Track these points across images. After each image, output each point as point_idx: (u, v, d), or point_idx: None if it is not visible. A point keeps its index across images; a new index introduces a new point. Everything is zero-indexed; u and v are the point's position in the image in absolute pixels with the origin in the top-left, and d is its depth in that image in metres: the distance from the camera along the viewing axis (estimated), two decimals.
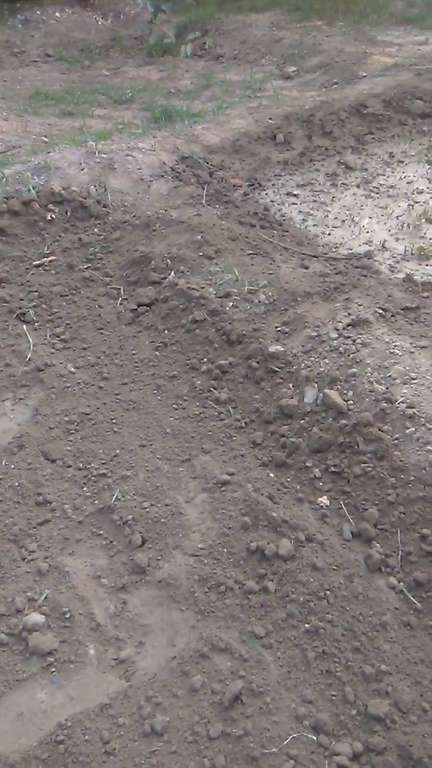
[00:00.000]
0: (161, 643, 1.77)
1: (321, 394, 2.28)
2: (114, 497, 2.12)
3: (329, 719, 1.56)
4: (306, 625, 1.74)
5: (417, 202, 3.74)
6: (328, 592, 1.80)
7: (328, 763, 1.48)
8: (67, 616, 1.80)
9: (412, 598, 1.80)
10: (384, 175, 4.11)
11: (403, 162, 4.24)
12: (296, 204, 3.84)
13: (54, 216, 3.54)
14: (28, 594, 1.85)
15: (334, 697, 1.61)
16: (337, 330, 2.46)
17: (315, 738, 1.53)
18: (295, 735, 1.53)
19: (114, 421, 2.46)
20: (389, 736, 1.52)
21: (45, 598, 1.84)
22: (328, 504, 2.06)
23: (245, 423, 2.41)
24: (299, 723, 1.56)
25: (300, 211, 3.76)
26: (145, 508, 2.10)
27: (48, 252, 3.35)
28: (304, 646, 1.71)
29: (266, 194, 3.96)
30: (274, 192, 3.98)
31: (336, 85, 5.42)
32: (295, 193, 3.97)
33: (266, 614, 1.80)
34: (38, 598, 1.84)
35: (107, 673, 1.71)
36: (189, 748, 1.53)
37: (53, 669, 1.70)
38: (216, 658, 1.70)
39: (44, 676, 1.68)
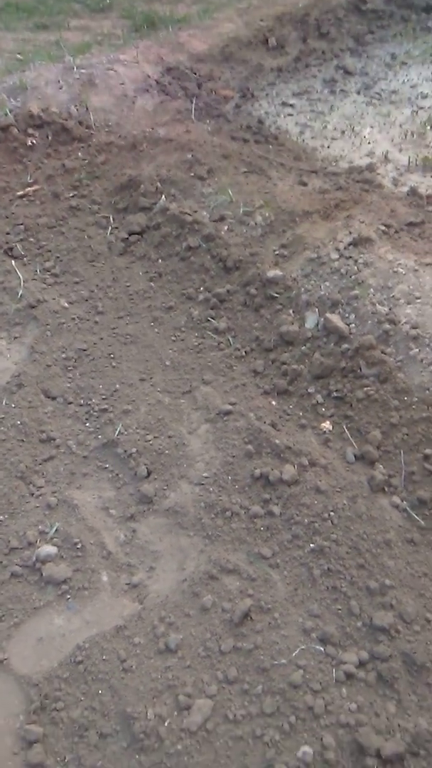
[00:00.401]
0: (171, 567, 1.82)
1: (322, 319, 2.22)
2: (117, 431, 2.12)
3: (336, 631, 1.62)
4: (311, 545, 1.78)
5: (421, 108, 3.50)
6: (332, 513, 1.83)
7: (335, 671, 1.55)
8: (78, 546, 1.85)
9: (415, 515, 1.83)
10: (386, 79, 3.82)
11: (406, 64, 3.94)
12: (292, 115, 3.60)
13: (34, 141, 3.33)
14: (39, 527, 1.89)
15: (339, 611, 1.67)
16: (338, 250, 2.36)
17: (322, 649, 1.60)
18: (303, 647, 1.60)
19: (112, 355, 2.42)
20: (393, 645, 1.58)
21: (56, 530, 1.88)
22: (330, 429, 2.06)
23: (245, 352, 2.37)
24: (307, 636, 1.63)
25: (296, 123, 3.53)
26: (149, 440, 2.10)
27: (31, 181, 3.19)
28: (309, 564, 1.76)
29: (260, 105, 3.70)
30: (268, 102, 3.72)
31: None
32: (291, 102, 3.72)
33: (272, 536, 1.84)
34: (49, 531, 1.88)
35: (121, 597, 1.77)
36: (202, 663, 1.60)
37: (68, 596, 1.76)
38: (225, 578, 1.75)
39: (60, 603, 1.75)
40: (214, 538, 1.86)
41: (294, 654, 1.58)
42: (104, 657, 1.62)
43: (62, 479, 2.04)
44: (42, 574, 1.79)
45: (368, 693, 1.53)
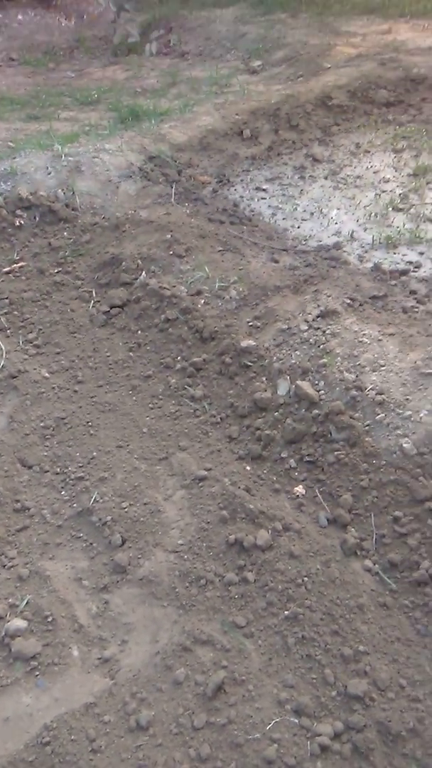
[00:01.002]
0: (144, 639, 1.79)
1: (293, 386, 2.31)
2: (92, 499, 2.14)
3: (310, 702, 1.59)
4: (285, 612, 1.77)
5: (384, 191, 3.79)
6: (305, 579, 1.83)
7: (310, 744, 1.51)
8: (49, 620, 1.82)
9: (387, 579, 1.84)
10: (351, 165, 4.15)
11: (369, 152, 4.29)
12: (265, 198, 3.87)
13: (22, 221, 3.53)
14: (10, 600, 1.86)
15: (314, 680, 1.64)
16: (307, 322, 2.49)
17: (297, 721, 1.56)
18: (277, 719, 1.56)
19: (90, 423, 2.47)
20: (368, 714, 1.55)
21: (26, 603, 1.85)
22: (303, 493, 2.09)
23: (221, 418, 2.43)
24: (281, 707, 1.59)
25: (269, 206, 3.79)
26: (124, 508, 2.12)
27: (17, 258, 3.34)
28: (284, 632, 1.74)
29: (235, 190, 3.98)
30: (242, 187, 4.00)
31: (301, 78, 5.45)
32: (264, 187, 4.00)
33: (246, 604, 1.83)
34: (20, 604, 1.85)
35: (92, 672, 1.73)
36: (174, 740, 1.55)
37: (37, 673, 1.71)
38: (198, 650, 1.73)
39: (29, 681, 1.70)
40: (188, 608, 1.84)
41: (268, 727, 1.55)
42: (72, 737, 1.57)
43: (35, 550, 2.03)
44: (11, 650, 1.75)
45: (344, 766, 1.48)
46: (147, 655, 1.75)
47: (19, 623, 1.79)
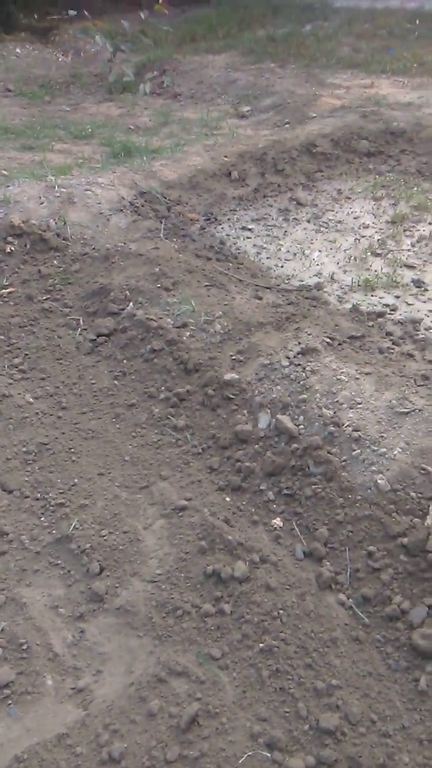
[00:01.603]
0: (119, 670, 1.79)
1: (274, 420, 2.37)
2: (72, 526, 2.14)
3: (283, 735, 1.61)
4: (260, 645, 1.79)
5: (363, 236, 3.96)
6: (281, 611, 1.86)
7: None
8: (24, 648, 1.81)
9: (360, 613, 1.88)
10: (333, 210, 4.34)
11: (350, 198, 4.49)
12: (250, 238, 4.01)
13: (13, 248, 3.59)
14: None
15: (287, 714, 1.66)
16: (288, 358, 2.58)
17: (269, 755, 1.57)
18: (250, 753, 1.57)
19: (72, 450, 2.49)
20: (340, 749, 1.57)
21: (1, 630, 1.84)
22: (281, 525, 2.14)
23: (202, 449, 2.48)
24: (254, 741, 1.60)
25: (254, 245, 3.93)
26: (103, 536, 2.13)
27: (7, 284, 3.39)
28: (258, 665, 1.76)
29: (222, 228, 4.12)
30: (229, 226, 4.15)
31: (288, 125, 5.70)
32: (250, 227, 4.15)
33: (222, 636, 1.84)
34: None
35: (65, 702, 1.71)
36: None
37: (9, 701, 1.69)
38: (173, 681, 1.73)
39: (1, 709, 1.68)
40: (164, 639, 1.85)
41: (241, 761, 1.55)
42: None
43: (12, 576, 2.02)
44: None
45: None
46: (121, 686, 1.75)
47: None
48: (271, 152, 5.03)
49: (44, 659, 1.80)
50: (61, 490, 2.30)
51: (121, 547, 2.09)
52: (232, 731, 1.62)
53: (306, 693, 1.69)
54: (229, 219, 4.24)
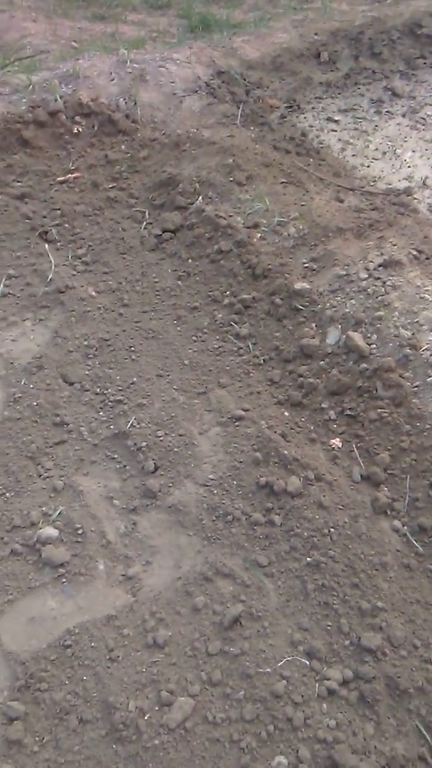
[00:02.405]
0: (167, 564, 1.84)
1: (344, 336, 2.23)
2: (129, 423, 2.15)
3: (323, 647, 1.63)
4: (308, 559, 1.79)
5: None
6: (332, 530, 1.84)
7: (318, 686, 1.56)
8: (79, 532, 1.87)
9: (414, 541, 1.83)
10: None
11: None
12: (336, 131, 3.62)
13: (80, 129, 3.38)
14: (43, 509, 1.92)
15: (329, 628, 1.68)
16: (368, 270, 2.37)
17: (308, 663, 1.61)
18: (289, 658, 1.61)
19: (132, 348, 2.45)
20: (378, 667, 1.59)
21: (59, 513, 1.91)
22: (340, 446, 2.06)
23: (264, 360, 2.39)
24: (294, 648, 1.64)
25: (339, 139, 3.54)
26: (159, 436, 2.12)
27: (73, 168, 3.23)
28: (304, 577, 1.77)
29: (305, 118, 3.72)
30: (313, 116, 3.74)
31: (390, 0, 4.95)
32: (336, 118, 3.73)
33: (270, 545, 1.85)
34: (52, 514, 1.91)
35: (115, 587, 1.79)
36: (188, 662, 1.62)
37: (64, 580, 1.78)
38: (219, 581, 1.77)
39: (55, 586, 1.77)
40: (212, 541, 1.88)
41: (279, 664, 1.60)
42: (92, 644, 1.65)
43: (71, 464, 2.07)
44: (41, 555, 1.81)
45: (348, 711, 1.53)
46: (169, 579, 1.80)
47: (50, 531, 1.85)
48: (368, 32, 4.40)
49: (97, 545, 1.87)
50: (120, 387, 2.29)
51: (176, 449, 2.09)
52: (273, 635, 1.66)
53: (350, 611, 1.70)
54: (313, 108, 3.81)
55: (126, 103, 3.54)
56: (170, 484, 2.01)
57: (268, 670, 1.59)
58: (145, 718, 1.52)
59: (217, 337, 2.50)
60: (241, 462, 2.04)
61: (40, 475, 2.03)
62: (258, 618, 1.70)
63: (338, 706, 1.54)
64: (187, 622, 1.70)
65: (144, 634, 1.68)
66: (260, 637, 1.66)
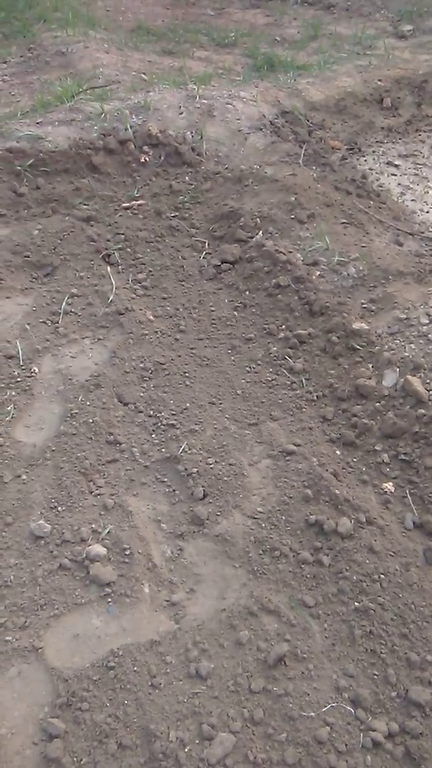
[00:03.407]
0: (212, 593, 1.83)
1: (402, 380, 2.23)
2: (181, 448, 2.17)
3: (369, 696, 1.60)
4: (356, 604, 1.77)
5: None
6: (382, 576, 1.81)
7: (363, 737, 1.52)
8: (127, 553, 1.89)
9: None
10: None
11: None
12: (396, 175, 3.67)
13: (147, 158, 3.51)
14: (93, 526, 1.94)
15: (375, 677, 1.64)
16: (429, 315, 2.38)
17: (353, 711, 1.57)
18: (333, 704, 1.58)
19: (187, 374, 2.49)
20: (426, 723, 1.54)
21: (108, 532, 1.93)
22: (392, 491, 2.05)
23: (317, 396, 2.39)
24: (339, 694, 1.60)
25: (399, 183, 3.59)
26: (210, 464, 2.14)
27: (138, 195, 3.34)
28: (351, 622, 1.74)
29: (365, 161, 3.79)
30: (373, 159, 3.81)
31: None
32: (396, 163, 3.79)
33: (317, 586, 1.83)
34: (102, 532, 1.93)
35: (159, 612, 1.79)
36: (230, 697, 1.60)
37: (110, 599, 1.79)
38: (264, 618, 1.76)
39: (101, 605, 1.78)
40: (258, 575, 1.87)
41: (324, 709, 1.56)
42: (135, 668, 1.64)
43: (122, 483, 2.10)
44: (89, 572, 1.83)
45: (393, 766, 1.49)
46: (213, 610, 1.79)
47: (99, 549, 1.87)
48: (431, 80, 4.49)
49: (144, 567, 1.88)
50: (173, 412, 2.32)
51: (225, 478, 2.10)
52: (317, 678, 1.63)
53: (398, 661, 1.66)
54: (374, 151, 3.88)
55: (192, 136, 3.66)
56: (218, 513, 2.02)
57: (312, 714, 1.56)
58: (186, 750, 1.50)
59: (271, 369, 2.52)
60: (290, 497, 2.03)
61: (91, 492, 2.06)
62: (303, 659, 1.67)
63: (383, 760, 1.50)
64: (230, 656, 1.68)
65: (186, 663, 1.67)
66: (304, 680, 1.63)
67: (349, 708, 1.58)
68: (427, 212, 3.35)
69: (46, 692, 1.61)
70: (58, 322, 2.63)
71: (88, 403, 2.30)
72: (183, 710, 1.57)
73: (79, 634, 1.72)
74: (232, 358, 2.59)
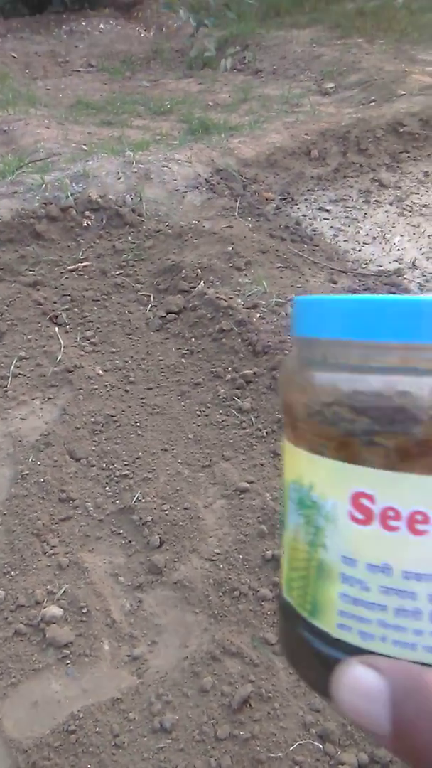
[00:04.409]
0: (174, 643, 1.81)
1: None
2: (135, 498, 2.18)
3: (336, 729, 1.58)
4: None
5: None
6: None
7: None
8: (84, 611, 1.86)
9: None
10: (418, 193, 4.13)
11: None
12: (328, 219, 3.89)
13: (90, 223, 3.65)
14: (48, 587, 1.91)
15: None
16: None
17: (321, 746, 1.55)
18: (301, 742, 1.55)
19: (138, 424, 2.52)
20: None
21: (64, 592, 1.90)
22: None
23: (266, 432, 2.45)
24: (306, 730, 1.58)
25: (331, 227, 3.80)
26: (165, 510, 2.15)
27: (82, 257, 3.46)
28: None
29: (298, 209, 4.01)
30: (306, 207, 4.03)
31: (373, 103, 5.46)
32: (328, 208, 4.02)
33: (278, 622, 1.82)
34: (57, 592, 1.90)
35: (120, 668, 1.75)
36: (196, 747, 1.56)
37: (68, 661, 1.75)
38: (227, 661, 1.73)
39: (59, 668, 1.74)
40: (219, 618, 1.85)
41: (291, 748, 1.54)
42: (97, 729, 1.59)
43: (76, 540, 2.08)
44: (45, 635, 1.79)
45: None
46: (175, 659, 1.77)
47: (55, 610, 1.84)
48: (354, 131, 4.83)
49: (102, 624, 1.84)
50: (125, 462, 2.33)
51: (181, 523, 2.10)
52: (284, 717, 1.61)
53: None
54: (306, 199, 4.12)
55: (132, 198, 3.84)
56: (176, 559, 2.01)
57: (280, 754, 1.53)
58: None
59: (221, 411, 2.58)
60: (246, 534, 2.05)
61: (45, 552, 2.04)
62: (268, 699, 1.65)
63: None
64: (194, 705, 1.65)
65: (150, 718, 1.63)
66: (270, 720, 1.60)
67: (317, 744, 1.55)
68: (359, 251, 3.54)
69: (5, 766, 1.54)
70: (6, 386, 2.66)
71: (38, 463, 2.31)
72: (148, 767, 1.52)
73: (37, 700, 1.67)
74: (182, 403, 2.64)
